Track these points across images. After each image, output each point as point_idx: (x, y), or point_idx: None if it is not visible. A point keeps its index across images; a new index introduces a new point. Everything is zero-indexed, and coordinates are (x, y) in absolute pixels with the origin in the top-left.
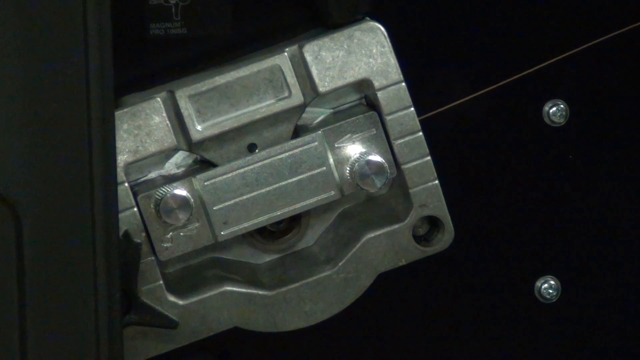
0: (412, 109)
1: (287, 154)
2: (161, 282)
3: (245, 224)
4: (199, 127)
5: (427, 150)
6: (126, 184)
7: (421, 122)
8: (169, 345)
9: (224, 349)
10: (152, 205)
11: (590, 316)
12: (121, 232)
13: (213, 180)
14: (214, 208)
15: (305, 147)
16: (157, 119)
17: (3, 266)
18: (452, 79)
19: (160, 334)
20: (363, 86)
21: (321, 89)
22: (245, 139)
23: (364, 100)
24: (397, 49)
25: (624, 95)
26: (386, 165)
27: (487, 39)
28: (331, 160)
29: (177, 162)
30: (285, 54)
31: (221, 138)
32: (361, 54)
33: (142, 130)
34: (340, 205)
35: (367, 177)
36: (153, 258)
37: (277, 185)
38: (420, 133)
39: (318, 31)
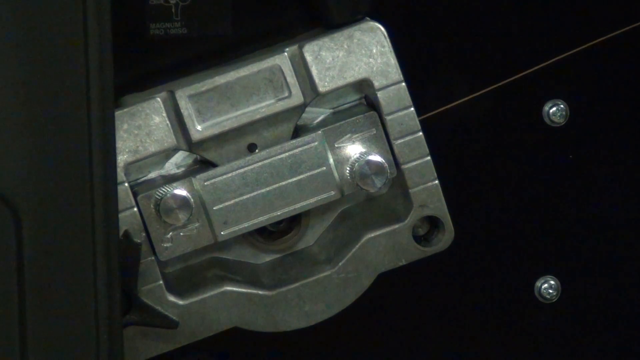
0: (412, 109)
1: (287, 154)
2: (161, 282)
3: (245, 224)
4: (199, 127)
5: (427, 150)
6: (126, 184)
7: (421, 122)
8: (169, 345)
9: (224, 349)
10: (152, 205)
11: (590, 316)
12: (121, 232)
13: (213, 180)
14: (214, 208)
15: (305, 147)
16: (157, 119)
17: (3, 266)
18: (452, 79)
19: (160, 334)
20: (363, 86)
21: (321, 89)
22: (245, 139)
23: (364, 100)
24: (397, 49)
25: (624, 95)
26: (386, 165)
27: (487, 39)
28: (331, 160)
29: (177, 162)
30: (285, 54)
31: (221, 138)
32: (361, 54)
33: (142, 130)
34: (340, 205)
35: (367, 177)
36: (153, 258)
37: (277, 185)
38: (420, 133)
39: (318, 31)
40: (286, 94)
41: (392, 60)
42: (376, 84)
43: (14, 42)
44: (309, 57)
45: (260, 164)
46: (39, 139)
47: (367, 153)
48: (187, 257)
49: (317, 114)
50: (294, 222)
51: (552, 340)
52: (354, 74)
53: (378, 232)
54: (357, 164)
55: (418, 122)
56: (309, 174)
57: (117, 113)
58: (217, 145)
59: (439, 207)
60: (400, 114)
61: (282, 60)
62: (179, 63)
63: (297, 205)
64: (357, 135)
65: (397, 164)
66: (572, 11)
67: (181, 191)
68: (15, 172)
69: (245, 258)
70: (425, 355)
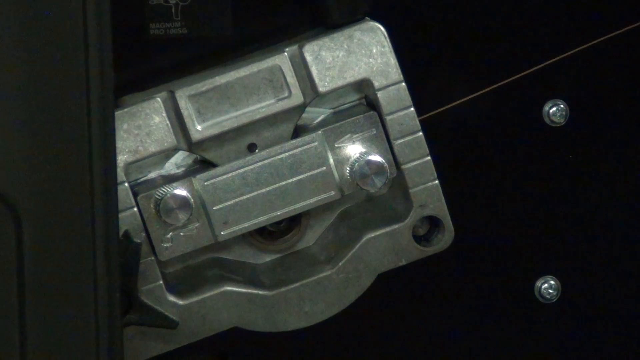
0: (412, 109)
1: (287, 154)
2: (161, 282)
3: (245, 224)
4: (199, 127)
5: (427, 150)
6: (126, 184)
7: (421, 122)
8: (169, 345)
9: (224, 349)
10: (152, 205)
11: (590, 316)
12: (121, 232)
13: (213, 180)
14: (214, 208)
15: (305, 147)
16: (157, 119)
17: (3, 266)
18: (452, 79)
19: (160, 334)
20: (363, 86)
21: (321, 89)
22: (245, 139)
23: (364, 100)
24: (397, 49)
25: (624, 95)
26: (386, 165)
27: (487, 39)
28: (331, 160)
29: (177, 162)
30: (285, 54)
31: (221, 138)
32: (361, 54)
33: (142, 130)
34: (340, 205)
35: (367, 177)
36: (153, 258)
37: (277, 185)
38: (420, 133)
39: (318, 31)
40: (286, 94)
41: (392, 60)
42: (376, 84)
43: (14, 42)
44: (309, 57)
45: (260, 164)
46: (39, 139)
47: (367, 153)
48: (187, 257)
49: (317, 114)
50: (294, 222)
51: (552, 340)
52: (354, 74)
53: (378, 232)
54: (357, 164)
55: (418, 122)
56: (309, 174)
57: (117, 113)
58: (217, 145)
59: (439, 207)
60: (400, 114)
61: (282, 60)
62: (179, 63)
63: (297, 205)
64: (357, 135)
65: (397, 164)
66: (572, 11)
67: (181, 191)
68: (15, 172)
69: (245, 258)
70: (425, 355)
